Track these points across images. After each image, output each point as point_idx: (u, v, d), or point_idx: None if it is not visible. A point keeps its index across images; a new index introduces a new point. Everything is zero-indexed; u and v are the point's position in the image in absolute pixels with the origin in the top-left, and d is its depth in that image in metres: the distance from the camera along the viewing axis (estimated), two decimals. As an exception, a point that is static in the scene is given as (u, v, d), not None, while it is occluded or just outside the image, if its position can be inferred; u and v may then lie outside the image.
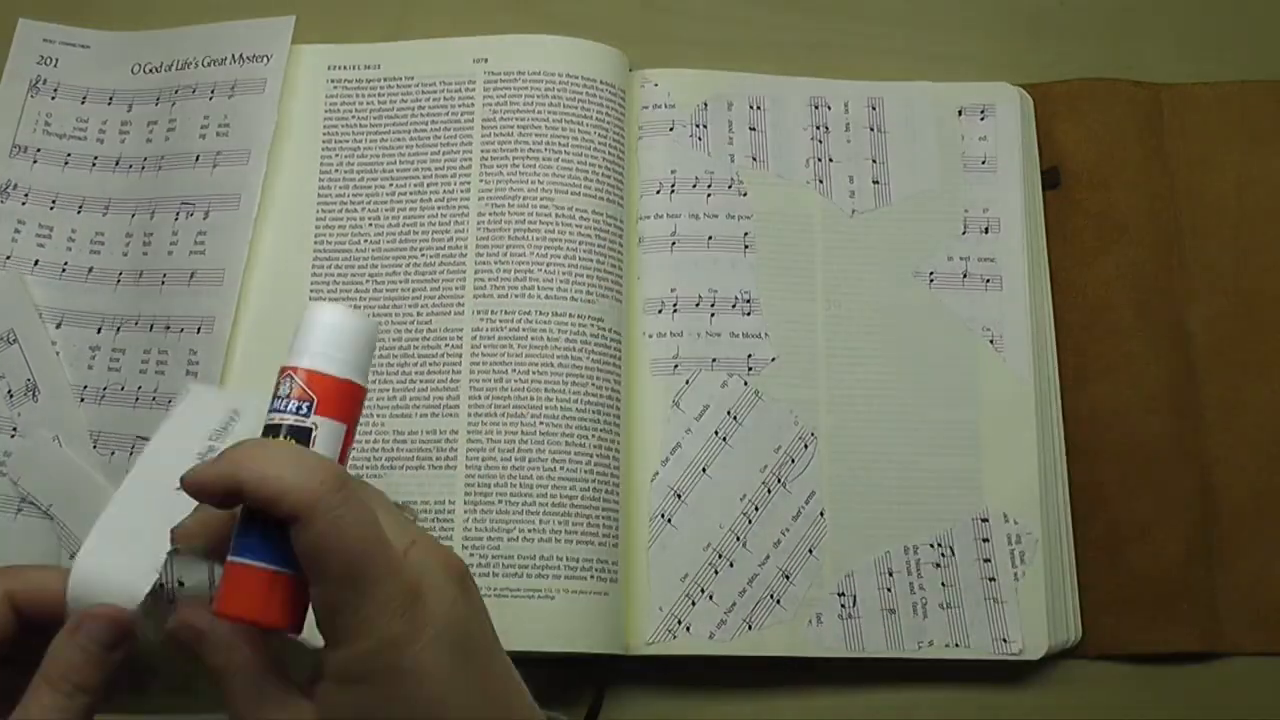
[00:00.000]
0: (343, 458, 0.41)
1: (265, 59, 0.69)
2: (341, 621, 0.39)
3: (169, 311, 0.66)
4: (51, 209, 0.69)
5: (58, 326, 0.67)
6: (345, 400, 0.41)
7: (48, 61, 0.72)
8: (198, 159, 0.68)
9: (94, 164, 0.70)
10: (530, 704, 0.44)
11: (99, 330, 0.67)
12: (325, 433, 0.40)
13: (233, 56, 0.70)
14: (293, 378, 0.41)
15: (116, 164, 0.70)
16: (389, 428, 0.64)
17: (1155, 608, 0.65)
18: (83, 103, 0.71)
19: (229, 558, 0.40)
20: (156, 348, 0.66)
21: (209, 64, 0.70)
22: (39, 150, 0.70)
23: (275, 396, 0.41)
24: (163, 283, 0.66)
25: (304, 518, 0.38)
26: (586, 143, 0.67)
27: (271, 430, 0.40)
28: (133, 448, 0.64)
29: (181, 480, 0.40)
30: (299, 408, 0.40)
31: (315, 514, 0.38)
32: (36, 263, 0.68)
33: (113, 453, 0.65)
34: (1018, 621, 0.63)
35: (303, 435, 0.40)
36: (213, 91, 0.69)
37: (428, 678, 0.40)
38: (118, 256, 0.68)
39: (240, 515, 0.40)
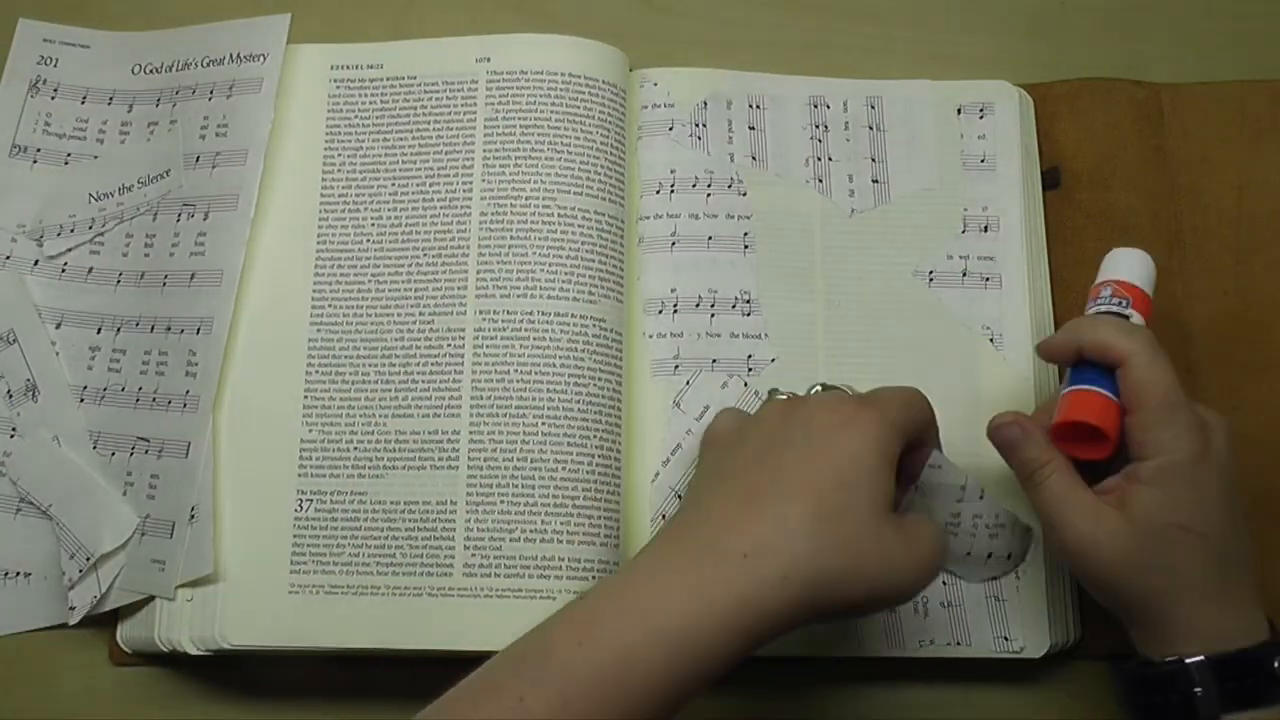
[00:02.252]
0: None
1: (262, 58, 0.69)
2: (1153, 439, 0.54)
3: (170, 313, 0.66)
4: (50, 208, 0.69)
5: (57, 327, 0.67)
6: (1145, 303, 0.58)
7: (48, 61, 0.72)
8: (198, 160, 0.68)
9: (94, 163, 0.70)
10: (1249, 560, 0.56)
11: (99, 331, 0.67)
12: (1136, 320, 0.57)
13: (230, 56, 0.70)
14: (1114, 285, 0.58)
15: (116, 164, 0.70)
16: (390, 428, 0.64)
17: (1156, 607, 0.65)
18: (83, 103, 0.71)
19: (1067, 389, 0.57)
20: (157, 349, 0.65)
21: (208, 64, 0.70)
22: (39, 150, 0.70)
23: (1095, 300, 0.59)
24: (164, 284, 0.66)
25: (1129, 363, 0.54)
26: (589, 142, 0.67)
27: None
28: (133, 449, 0.64)
29: (1036, 349, 0.60)
30: (1119, 302, 0.58)
31: (1138, 360, 0.54)
32: (36, 263, 0.68)
33: (113, 453, 0.65)
34: (1019, 620, 0.63)
35: (1120, 317, 0.57)
36: (211, 92, 0.69)
37: (1209, 488, 0.54)
38: (117, 257, 0.68)
39: (1073, 367, 0.57)
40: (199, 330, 0.65)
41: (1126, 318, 0.57)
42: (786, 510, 0.50)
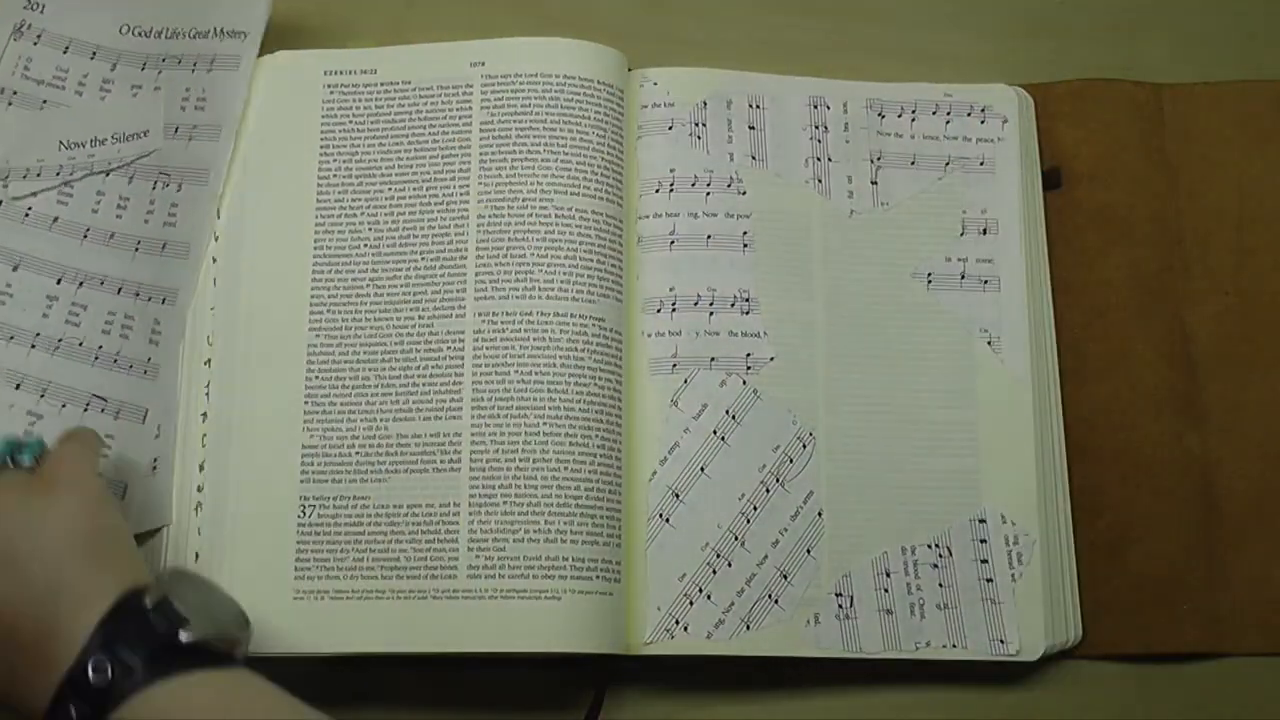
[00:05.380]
0: None
1: (242, 35, 0.69)
2: None
3: (139, 278, 0.66)
4: (22, 152, 0.69)
5: (14, 269, 0.67)
6: None
7: (34, 7, 0.72)
8: (176, 130, 0.69)
9: (68, 112, 0.70)
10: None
11: (59, 281, 0.67)
12: None
13: (214, 30, 0.70)
14: None
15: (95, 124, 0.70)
16: (392, 431, 0.64)
17: (1155, 608, 0.65)
18: (65, 53, 0.71)
19: None
20: (124, 311, 0.66)
21: (194, 35, 0.70)
22: (15, 93, 0.70)
23: None
24: (136, 249, 0.67)
25: None
26: (585, 143, 0.67)
27: None
28: (87, 404, 0.65)
29: None
30: None
31: None
32: (0, 203, 0.68)
33: (64, 405, 0.65)
34: (1015, 622, 0.64)
35: None
36: (195, 64, 0.69)
37: None
38: (86, 213, 0.68)
39: None
40: (164, 300, 0.66)
41: None
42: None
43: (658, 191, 0.69)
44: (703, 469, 0.65)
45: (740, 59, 0.72)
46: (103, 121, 0.69)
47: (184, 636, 0.50)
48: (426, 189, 0.67)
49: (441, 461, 0.63)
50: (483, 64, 0.69)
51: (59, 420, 0.64)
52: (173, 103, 0.69)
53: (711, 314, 0.67)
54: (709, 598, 0.64)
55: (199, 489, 0.64)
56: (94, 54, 0.71)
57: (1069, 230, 0.70)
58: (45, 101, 0.70)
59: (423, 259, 0.66)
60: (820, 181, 0.70)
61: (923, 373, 0.67)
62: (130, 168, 0.68)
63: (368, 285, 0.66)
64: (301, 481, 0.64)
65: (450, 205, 0.67)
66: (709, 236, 0.68)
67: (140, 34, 0.71)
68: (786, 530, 0.65)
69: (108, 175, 0.68)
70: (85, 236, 0.67)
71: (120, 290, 0.66)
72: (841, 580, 0.64)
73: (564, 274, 0.65)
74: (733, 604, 0.64)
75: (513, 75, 0.68)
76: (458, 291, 0.65)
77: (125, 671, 0.48)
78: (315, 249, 0.67)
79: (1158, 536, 0.66)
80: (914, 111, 0.71)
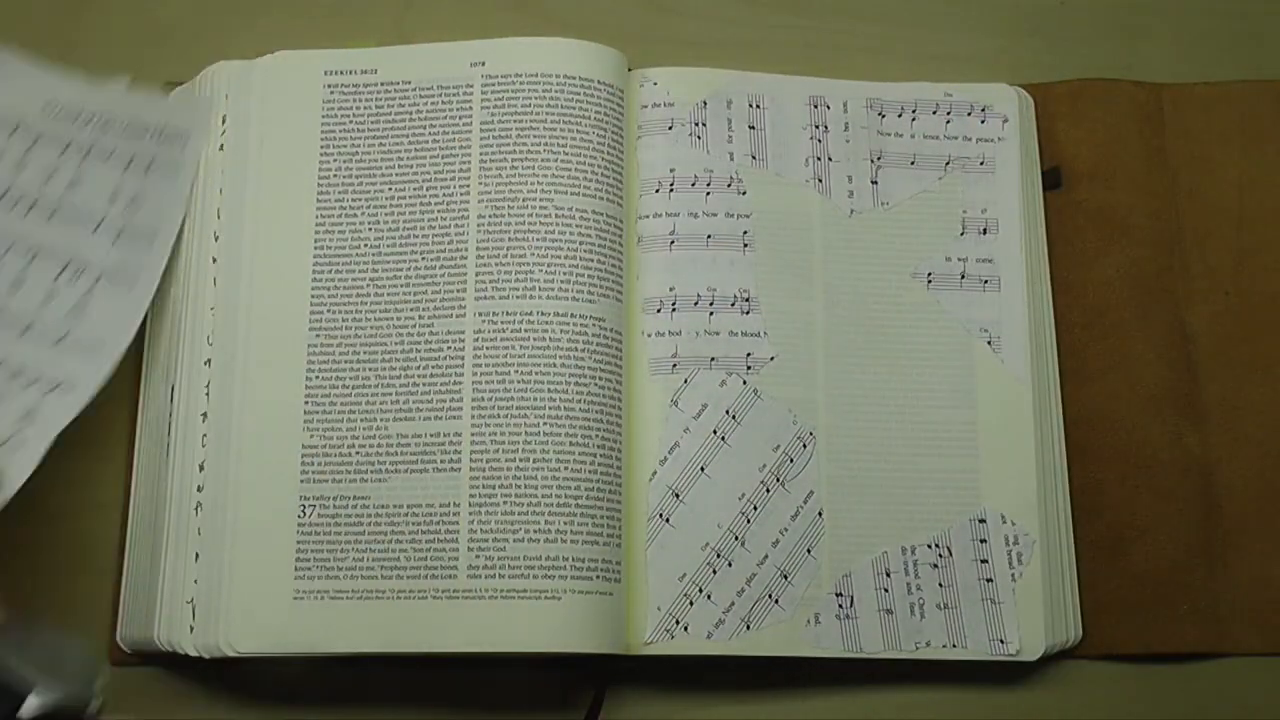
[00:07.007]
0: None
1: (184, 140, 0.67)
2: None
3: (24, 359, 0.62)
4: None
5: None
6: None
7: None
8: (99, 225, 0.65)
9: None
10: None
11: None
12: None
13: (153, 132, 0.67)
14: None
15: (3, 196, 0.66)
16: (392, 431, 0.64)
17: (1155, 608, 0.65)
18: None
19: None
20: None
21: (130, 134, 0.67)
22: None
23: None
24: (27, 329, 0.63)
25: None
26: (585, 143, 0.67)
27: None
28: None
29: None
30: None
31: None
32: None
33: None
34: (1015, 622, 0.64)
35: None
36: (130, 161, 0.67)
37: None
38: None
39: None
40: (55, 390, 0.61)
41: None
42: None
43: (658, 191, 0.69)
44: (703, 469, 0.65)
45: (740, 59, 0.72)
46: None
47: (26, 711, 0.46)
48: (426, 189, 0.67)
49: (441, 461, 0.63)
50: (483, 64, 0.69)
51: None
52: (98, 195, 0.66)
53: (711, 314, 0.67)
54: (709, 598, 0.64)
55: (199, 489, 0.64)
56: (14, 130, 0.67)
57: (1069, 230, 0.70)
58: None
59: (423, 259, 0.66)
60: (820, 181, 0.70)
61: (923, 373, 0.67)
62: (31, 247, 0.64)
63: (368, 285, 0.66)
64: (301, 481, 0.64)
65: (450, 205, 0.67)
66: (709, 236, 0.68)
67: (67, 117, 0.68)
68: (786, 530, 0.65)
69: (6, 252, 0.64)
70: None
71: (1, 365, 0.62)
72: (842, 580, 0.64)
73: (564, 274, 0.65)
74: (733, 604, 0.64)
75: (513, 75, 0.68)
76: (458, 291, 0.65)
77: None
78: (315, 249, 0.67)
79: (1158, 536, 0.66)
80: (914, 111, 0.71)
